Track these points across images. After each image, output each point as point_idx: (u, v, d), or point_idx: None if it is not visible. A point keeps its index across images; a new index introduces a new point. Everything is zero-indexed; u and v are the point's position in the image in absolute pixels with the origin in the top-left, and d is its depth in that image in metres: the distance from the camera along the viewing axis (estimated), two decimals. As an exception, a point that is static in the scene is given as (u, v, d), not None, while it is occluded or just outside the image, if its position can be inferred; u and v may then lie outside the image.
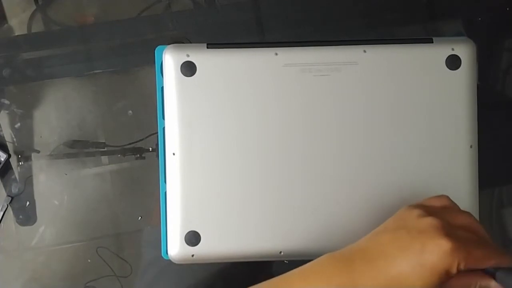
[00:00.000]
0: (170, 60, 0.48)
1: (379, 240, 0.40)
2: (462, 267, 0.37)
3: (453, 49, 0.48)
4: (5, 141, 0.59)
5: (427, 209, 0.41)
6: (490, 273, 0.38)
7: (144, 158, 0.59)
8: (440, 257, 0.36)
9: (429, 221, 0.39)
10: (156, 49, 0.50)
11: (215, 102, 0.48)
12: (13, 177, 0.59)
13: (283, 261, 0.48)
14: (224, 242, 0.48)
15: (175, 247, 0.48)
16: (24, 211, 0.59)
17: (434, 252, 0.37)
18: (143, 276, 0.58)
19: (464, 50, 0.48)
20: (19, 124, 0.59)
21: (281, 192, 0.48)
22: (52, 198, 0.59)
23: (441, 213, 0.40)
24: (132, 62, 0.60)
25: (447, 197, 0.43)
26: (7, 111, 0.59)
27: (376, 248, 0.40)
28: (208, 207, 0.48)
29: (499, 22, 0.61)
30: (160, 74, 0.49)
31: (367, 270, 0.39)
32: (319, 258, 0.42)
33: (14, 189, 0.59)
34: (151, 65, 0.51)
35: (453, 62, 0.48)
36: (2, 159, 0.58)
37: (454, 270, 0.36)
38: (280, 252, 0.48)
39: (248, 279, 0.45)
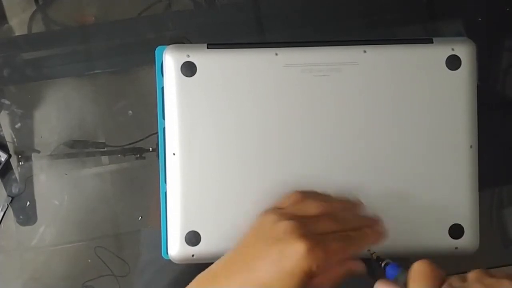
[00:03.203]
0: (170, 61, 0.48)
1: (243, 252, 0.41)
2: (321, 264, 0.38)
3: (453, 49, 0.48)
4: (6, 141, 0.59)
5: (281, 212, 0.42)
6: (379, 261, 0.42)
7: (144, 158, 0.59)
8: (297, 261, 0.37)
9: (283, 226, 0.39)
10: (157, 49, 0.50)
11: (216, 103, 0.48)
12: (13, 177, 0.59)
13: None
14: (224, 242, 0.48)
15: (175, 247, 0.48)
16: (25, 211, 0.59)
17: (292, 257, 0.37)
18: (141, 276, 0.58)
19: (464, 50, 0.48)
20: (19, 124, 0.59)
21: (281, 192, 0.48)
22: (52, 198, 0.59)
23: (295, 212, 0.41)
24: (132, 62, 0.60)
25: (297, 192, 0.44)
26: (7, 111, 0.59)
27: (240, 261, 0.41)
28: (208, 207, 0.48)
29: (499, 22, 0.61)
30: (160, 74, 0.49)
31: (231, 284, 0.40)
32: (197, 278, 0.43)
33: (15, 189, 0.59)
34: (151, 65, 0.51)
35: (453, 62, 0.48)
36: (3, 159, 0.58)
37: (314, 269, 0.37)
38: (280, 252, 0.48)
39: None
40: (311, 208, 0.42)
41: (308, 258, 0.37)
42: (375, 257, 0.44)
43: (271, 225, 0.40)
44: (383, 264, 0.42)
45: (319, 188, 0.48)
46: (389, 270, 0.40)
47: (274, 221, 0.40)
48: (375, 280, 0.38)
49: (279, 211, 0.42)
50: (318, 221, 0.41)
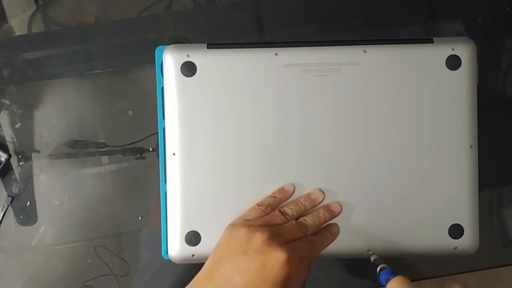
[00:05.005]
0: (170, 60, 0.48)
1: (221, 269, 0.42)
2: (296, 268, 0.41)
3: (453, 49, 0.48)
4: (6, 141, 0.59)
5: (250, 223, 0.44)
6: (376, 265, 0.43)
7: (144, 158, 0.59)
8: (280, 269, 0.40)
9: (259, 238, 0.41)
10: (157, 49, 0.50)
11: (215, 103, 0.48)
12: (13, 177, 0.59)
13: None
14: (224, 242, 0.48)
15: (175, 247, 0.48)
16: (25, 211, 0.59)
17: (274, 266, 0.40)
18: (141, 276, 0.58)
19: (464, 50, 0.48)
20: (19, 124, 0.59)
21: (281, 192, 0.48)
22: (52, 198, 0.59)
23: (264, 223, 0.44)
24: (132, 62, 0.60)
25: (260, 204, 0.46)
26: (7, 111, 0.59)
27: (221, 278, 0.42)
28: (208, 207, 0.48)
29: (499, 22, 0.61)
30: (161, 74, 0.49)
31: None
32: None
33: (15, 189, 0.59)
34: (151, 65, 0.51)
35: (453, 62, 0.48)
36: (3, 159, 0.58)
37: (292, 274, 0.41)
38: (280, 252, 0.48)
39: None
40: (276, 218, 0.45)
41: (288, 265, 0.40)
42: (372, 259, 0.44)
43: (247, 237, 0.42)
44: (378, 269, 0.42)
45: (318, 187, 0.48)
46: (383, 276, 0.40)
47: (248, 233, 0.42)
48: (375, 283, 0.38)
49: (248, 223, 0.44)
50: (286, 230, 0.44)
